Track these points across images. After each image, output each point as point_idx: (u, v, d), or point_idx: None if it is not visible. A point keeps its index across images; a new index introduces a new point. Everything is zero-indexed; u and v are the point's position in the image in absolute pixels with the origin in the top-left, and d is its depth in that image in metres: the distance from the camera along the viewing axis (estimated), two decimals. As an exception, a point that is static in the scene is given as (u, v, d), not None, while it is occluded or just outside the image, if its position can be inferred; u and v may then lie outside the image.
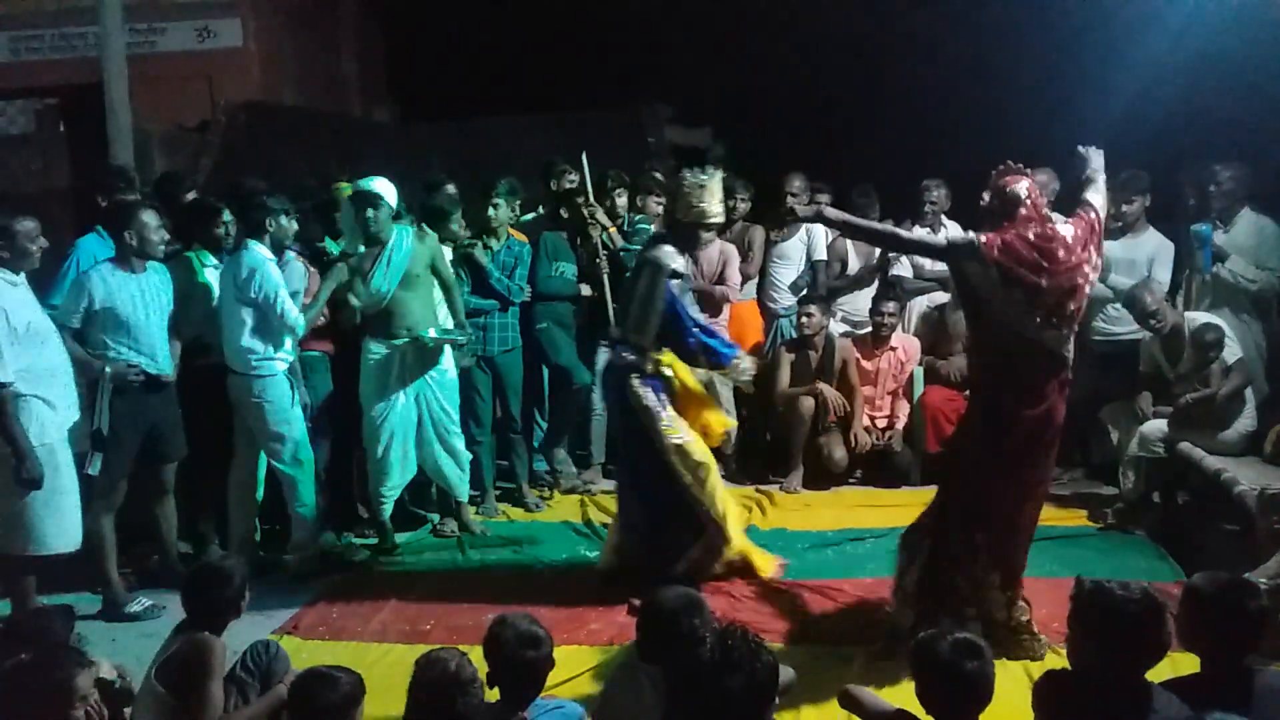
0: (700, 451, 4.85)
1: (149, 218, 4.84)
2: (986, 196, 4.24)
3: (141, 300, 4.85)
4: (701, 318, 5.55)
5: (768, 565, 5.08)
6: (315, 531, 5.42)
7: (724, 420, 5.20)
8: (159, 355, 4.92)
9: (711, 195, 4.82)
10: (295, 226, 5.43)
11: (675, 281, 4.85)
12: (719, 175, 4.89)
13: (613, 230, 6.42)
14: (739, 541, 5.03)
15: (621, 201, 6.59)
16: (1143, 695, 2.68)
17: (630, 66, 9.77)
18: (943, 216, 6.80)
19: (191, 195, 5.97)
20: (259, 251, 5.07)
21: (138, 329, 4.83)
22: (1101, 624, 2.75)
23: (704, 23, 9.74)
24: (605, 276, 6.27)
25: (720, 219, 5.06)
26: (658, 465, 4.79)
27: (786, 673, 3.12)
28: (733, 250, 6.68)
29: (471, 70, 10.27)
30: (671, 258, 4.77)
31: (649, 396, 4.78)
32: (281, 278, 5.09)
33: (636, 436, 4.84)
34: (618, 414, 5.02)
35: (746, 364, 5.00)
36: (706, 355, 4.91)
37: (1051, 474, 4.38)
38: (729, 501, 5.02)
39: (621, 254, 6.36)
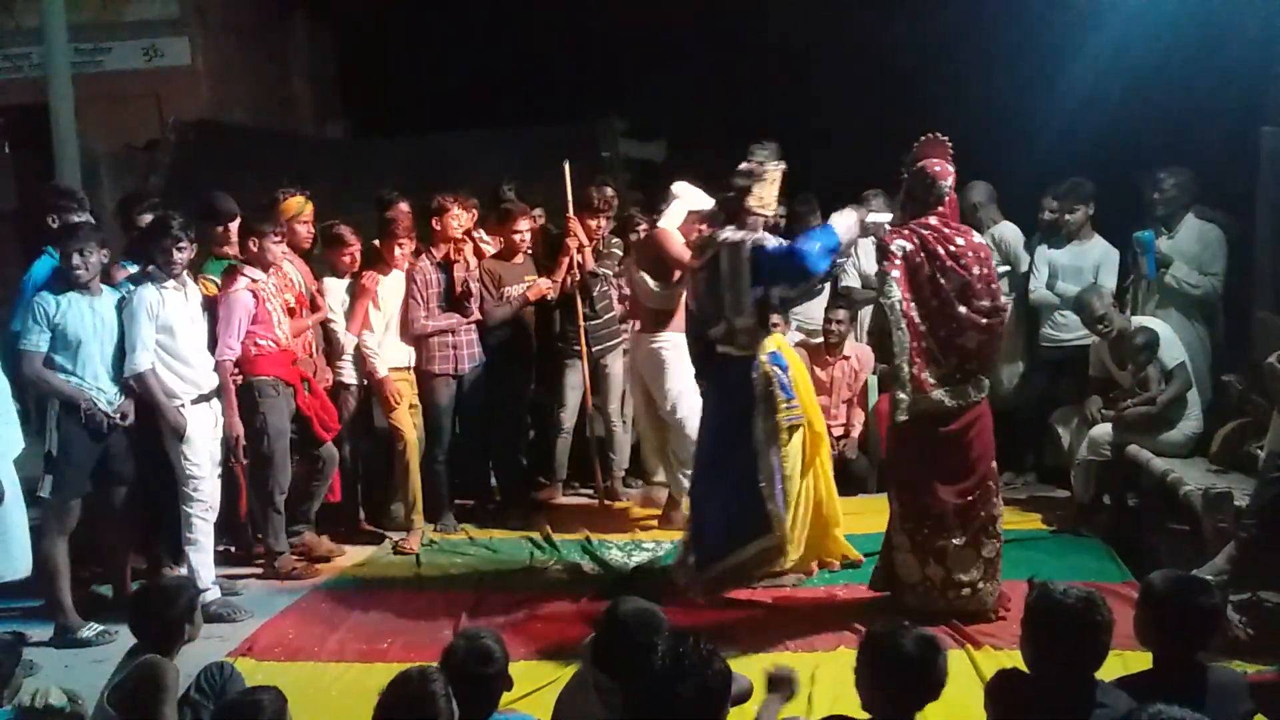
0: (797, 448, 4.92)
1: (89, 240, 4.76)
2: (907, 175, 4.58)
3: (92, 323, 4.79)
4: None
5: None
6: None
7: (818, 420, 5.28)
8: (105, 383, 4.85)
9: (775, 186, 4.88)
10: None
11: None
12: (780, 167, 4.90)
13: (588, 250, 6.44)
14: (811, 549, 5.17)
15: (597, 223, 6.57)
16: (1088, 692, 2.74)
17: (584, 81, 9.80)
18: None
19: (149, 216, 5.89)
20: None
21: (87, 353, 4.77)
22: (1044, 625, 2.84)
23: (658, 37, 9.80)
24: (576, 292, 6.31)
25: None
26: (749, 455, 4.78)
27: (742, 681, 3.15)
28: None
29: (425, 86, 10.24)
30: (741, 235, 4.73)
31: (780, 375, 4.82)
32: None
33: (738, 422, 4.81)
34: (723, 401, 4.95)
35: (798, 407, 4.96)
36: None
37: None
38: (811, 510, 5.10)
39: (591, 276, 6.40)
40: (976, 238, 4.68)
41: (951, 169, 4.58)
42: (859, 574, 5.19)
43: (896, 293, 4.44)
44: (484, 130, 9.06)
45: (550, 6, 9.96)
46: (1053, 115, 6.80)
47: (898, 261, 4.45)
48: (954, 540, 4.55)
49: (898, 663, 2.76)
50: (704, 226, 5.35)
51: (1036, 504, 6.17)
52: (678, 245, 5.58)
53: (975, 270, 4.46)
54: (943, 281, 4.44)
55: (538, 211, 6.80)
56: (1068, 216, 6.35)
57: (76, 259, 4.73)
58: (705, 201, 5.56)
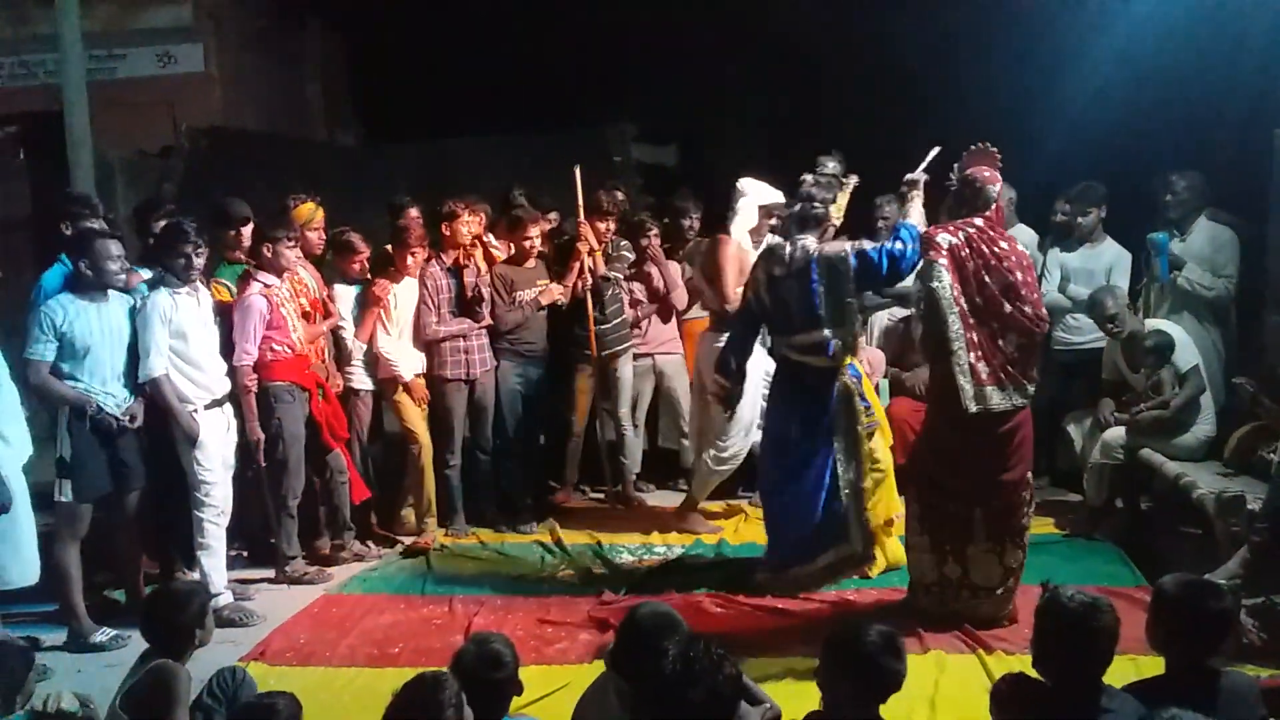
0: (884, 453, 5.06)
1: (104, 246, 4.79)
2: (955, 181, 4.56)
3: (100, 329, 4.80)
4: None
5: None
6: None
7: (889, 434, 5.36)
8: (115, 387, 4.86)
9: (845, 195, 5.08)
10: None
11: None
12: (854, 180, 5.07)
13: (598, 254, 6.44)
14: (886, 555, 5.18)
15: (606, 226, 6.59)
16: (1094, 696, 2.73)
17: (595, 86, 9.82)
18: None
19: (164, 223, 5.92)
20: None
21: (95, 359, 4.79)
22: (1051, 628, 2.84)
23: (668, 41, 9.80)
24: (588, 296, 6.32)
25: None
26: (827, 461, 4.85)
27: (772, 708, 3.13)
28: (675, 269, 6.71)
29: (435, 91, 10.27)
30: (840, 247, 4.83)
31: (857, 386, 4.90)
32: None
33: (817, 433, 4.87)
34: (801, 410, 4.97)
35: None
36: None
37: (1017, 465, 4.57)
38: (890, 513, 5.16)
39: (602, 280, 6.42)
40: (1020, 245, 4.65)
41: (999, 176, 4.58)
42: (871, 580, 5.20)
43: (946, 278, 4.36)
44: (495, 136, 9.09)
45: (561, 12, 9.97)
46: (1063, 118, 6.78)
47: (944, 251, 4.42)
48: (979, 547, 4.52)
49: (853, 656, 2.78)
50: (774, 221, 5.52)
51: (1049, 508, 6.14)
52: (728, 255, 5.64)
53: (1018, 275, 4.41)
54: (987, 279, 4.38)
55: (552, 215, 6.81)
56: (1080, 219, 6.34)
57: (113, 265, 4.77)
58: (774, 195, 5.62)
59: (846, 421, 4.84)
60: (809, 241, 4.85)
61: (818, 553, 4.94)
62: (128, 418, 4.87)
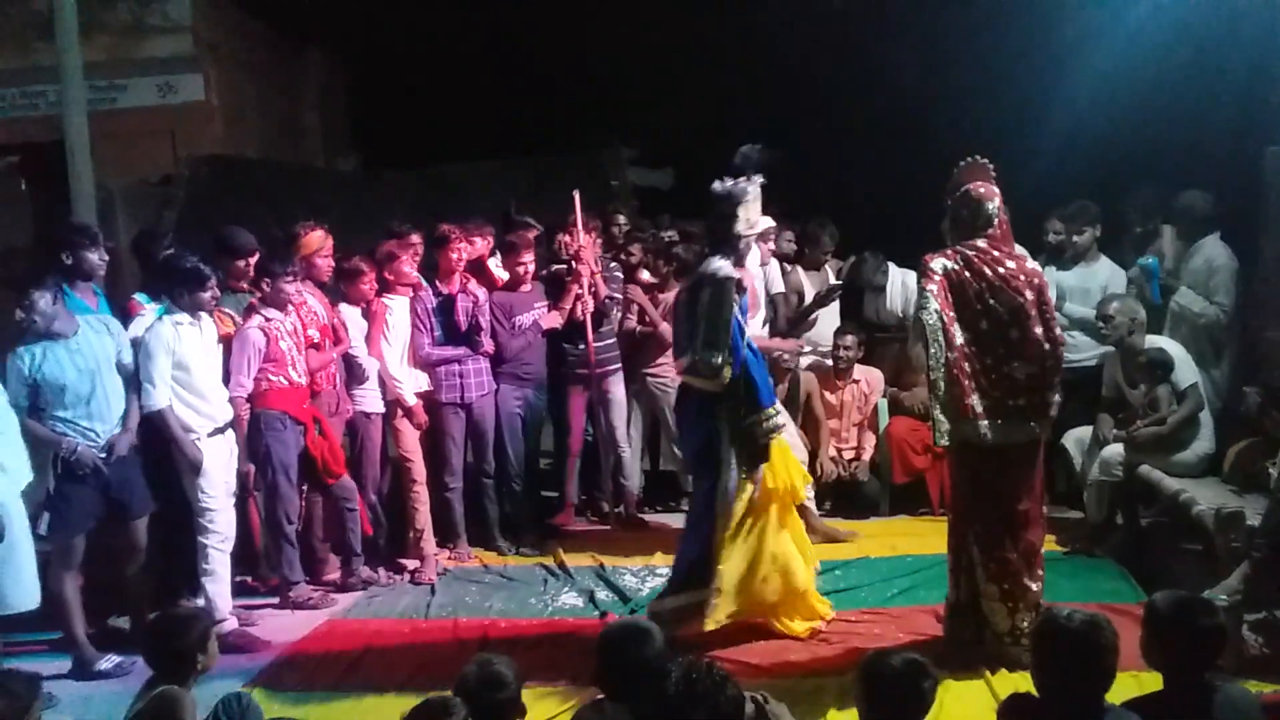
0: (749, 499, 4.63)
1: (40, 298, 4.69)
2: (950, 201, 4.41)
3: (70, 362, 4.76)
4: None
5: (823, 610, 4.92)
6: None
7: (804, 473, 5.04)
8: (96, 416, 4.83)
9: (757, 204, 4.72)
10: None
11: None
12: (759, 182, 4.73)
13: (598, 275, 6.48)
14: (760, 595, 4.73)
15: (594, 237, 6.63)
16: (1097, 715, 2.75)
17: (592, 110, 9.87)
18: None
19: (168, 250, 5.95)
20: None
21: (72, 393, 4.76)
22: (1050, 649, 2.87)
23: (665, 65, 9.87)
24: (587, 319, 6.36)
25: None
26: (710, 498, 4.63)
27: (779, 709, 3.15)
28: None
29: (434, 118, 10.33)
30: (730, 270, 4.59)
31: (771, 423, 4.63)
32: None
33: (706, 463, 4.68)
34: (692, 440, 4.84)
35: (781, 420, 4.82)
36: (746, 388, 4.59)
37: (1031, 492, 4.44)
38: (768, 559, 4.70)
39: (608, 300, 6.48)
40: (1030, 263, 4.50)
41: (997, 190, 4.41)
42: (887, 599, 5.23)
43: (933, 305, 4.17)
44: (493, 160, 9.14)
45: (557, 37, 10.05)
46: (1051, 135, 6.84)
47: (936, 278, 4.24)
48: (1032, 584, 4.41)
49: (885, 684, 2.82)
50: (771, 245, 5.62)
51: (1050, 525, 6.10)
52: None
53: (1028, 295, 4.24)
54: (992, 302, 4.22)
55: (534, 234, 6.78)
56: (1075, 238, 6.39)
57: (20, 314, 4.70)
58: (766, 221, 5.67)
59: (729, 443, 4.59)
60: (713, 260, 4.63)
61: (683, 589, 4.73)
62: (106, 451, 4.83)
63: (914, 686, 2.82)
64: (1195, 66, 6.37)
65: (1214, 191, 6.05)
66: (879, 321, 7.15)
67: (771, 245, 6.66)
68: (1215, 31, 6.22)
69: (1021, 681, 3.93)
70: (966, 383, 4.21)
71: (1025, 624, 4.29)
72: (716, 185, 4.68)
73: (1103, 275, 6.37)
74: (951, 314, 4.23)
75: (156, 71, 9.78)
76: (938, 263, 4.31)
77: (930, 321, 4.19)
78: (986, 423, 4.24)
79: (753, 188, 4.67)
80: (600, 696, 3.17)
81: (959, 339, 4.23)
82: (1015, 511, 4.36)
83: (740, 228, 4.66)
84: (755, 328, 5.85)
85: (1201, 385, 5.59)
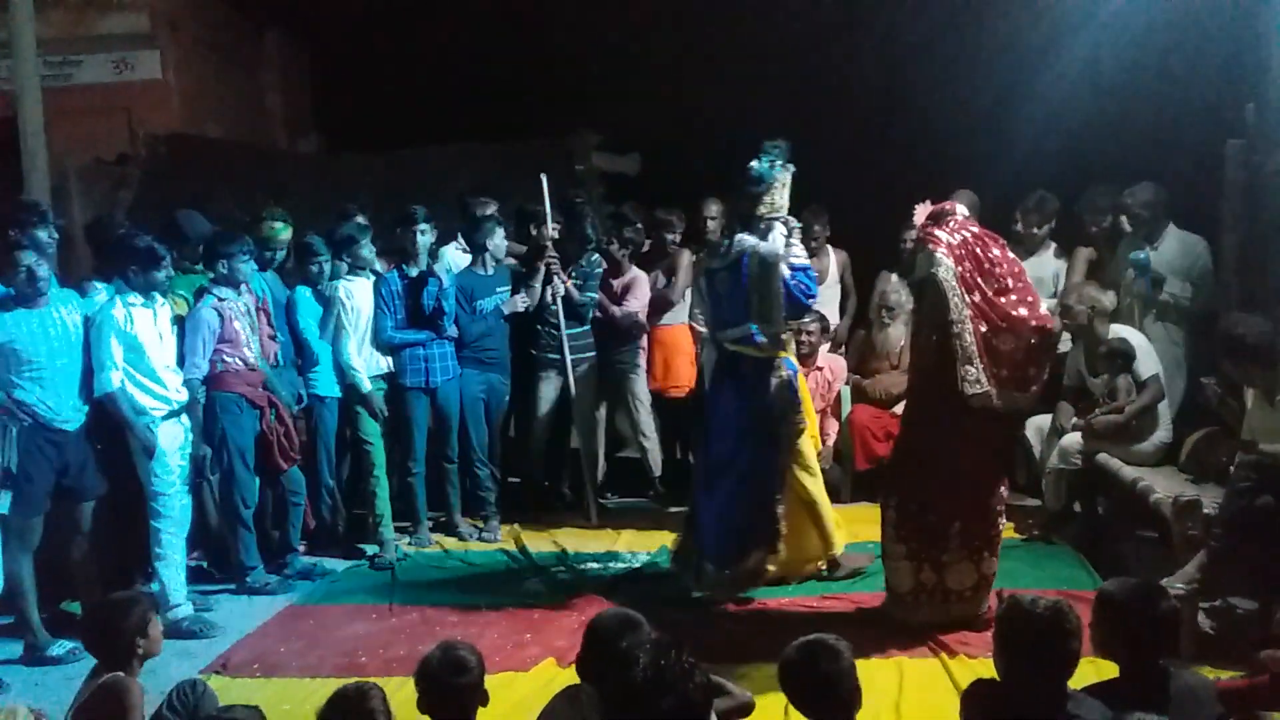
0: (810, 454, 5.17)
1: (25, 256, 4.67)
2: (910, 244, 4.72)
3: (43, 335, 4.71)
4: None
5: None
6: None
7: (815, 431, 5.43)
8: (63, 393, 4.78)
9: (786, 190, 4.99)
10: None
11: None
12: (791, 170, 5.00)
13: (568, 284, 6.43)
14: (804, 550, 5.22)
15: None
16: (1060, 702, 2.76)
17: (557, 94, 9.79)
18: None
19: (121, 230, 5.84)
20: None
21: (40, 366, 4.70)
22: (1014, 635, 2.88)
23: (631, 50, 9.81)
24: (558, 303, 6.34)
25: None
26: (770, 459, 4.93)
27: (743, 696, 3.15)
28: (641, 276, 6.73)
29: (397, 100, 10.21)
30: (777, 248, 4.87)
31: (796, 382, 5.02)
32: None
33: (755, 428, 4.93)
34: (739, 403, 5.01)
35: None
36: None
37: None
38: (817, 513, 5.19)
39: (584, 302, 6.49)
40: (1012, 254, 4.70)
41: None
42: (851, 584, 5.26)
43: (947, 261, 4.43)
44: (457, 144, 9.06)
45: (523, 20, 9.96)
46: (1023, 131, 6.87)
47: (943, 245, 4.48)
48: (955, 555, 4.58)
49: (810, 679, 2.82)
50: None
51: (1008, 512, 6.18)
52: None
53: (1009, 281, 4.49)
54: (980, 281, 4.45)
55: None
56: (1035, 231, 6.45)
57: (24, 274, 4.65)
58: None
59: (784, 416, 4.93)
60: (745, 237, 4.93)
61: (748, 553, 4.97)
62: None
63: (819, 670, 2.82)
64: (1164, 64, 6.42)
65: (1181, 186, 6.09)
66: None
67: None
68: (1186, 29, 6.26)
69: (980, 668, 3.98)
70: (979, 343, 4.42)
71: (930, 583, 4.58)
72: (754, 164, 4.95)
73: (1052, 266, 6.48)
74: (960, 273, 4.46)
75: (113, 48, 9.56)
76: (941, 233, 4.54)
77: (948, 277, 4.41)
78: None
79: (784, 174, 4.96)
80: (575, 684, 3.15)
81: (967, 298, 4.45)
82: (976, 489, 4.57)
83: (764, 210, 4.93)
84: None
85: (1162, 376, 5.62)
